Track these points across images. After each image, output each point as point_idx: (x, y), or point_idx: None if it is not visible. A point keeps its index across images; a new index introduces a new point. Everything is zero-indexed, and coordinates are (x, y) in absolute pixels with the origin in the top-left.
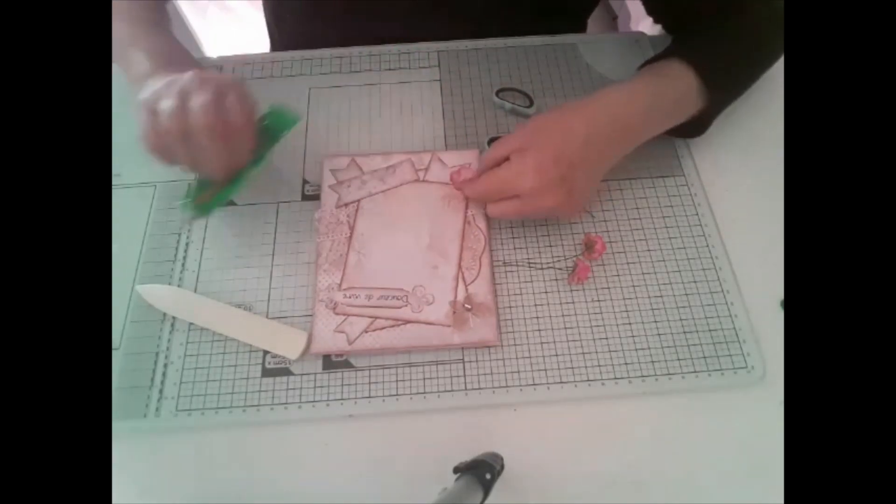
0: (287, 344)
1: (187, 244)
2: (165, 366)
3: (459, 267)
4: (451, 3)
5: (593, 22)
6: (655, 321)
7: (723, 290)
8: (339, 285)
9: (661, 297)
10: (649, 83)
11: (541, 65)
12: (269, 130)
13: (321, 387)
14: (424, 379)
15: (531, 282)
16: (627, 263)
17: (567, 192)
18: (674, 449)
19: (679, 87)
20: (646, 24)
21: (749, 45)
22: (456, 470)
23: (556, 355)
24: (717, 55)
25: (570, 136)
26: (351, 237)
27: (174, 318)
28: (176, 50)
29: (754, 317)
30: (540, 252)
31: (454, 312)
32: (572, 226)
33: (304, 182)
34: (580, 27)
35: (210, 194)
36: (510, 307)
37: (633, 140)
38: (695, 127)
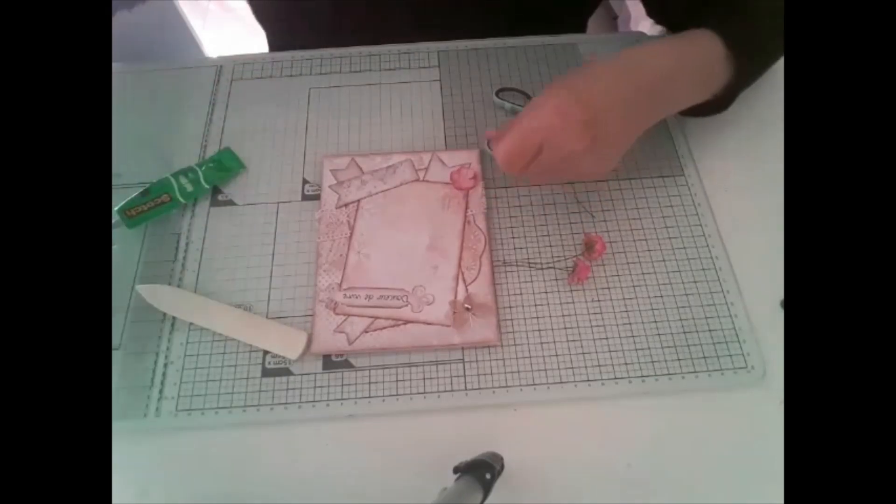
0: (287, 344)
1: (187, 244)
2: (165, 366)
3: (459, 267)
4: (452, 4)
5: (593, 22)
6: (655, 321)
7: (723, 290)
8: (339, 285)
9: (661, 297)
10: (675, 45)
11: (541, 65)
12: (215, 170)
13: (321, 387)
14: (424, 379)
15: (531, 282)
16: (627, 263)
17: (593, 139)
18: (674, 449)
19: (705, 53)
20: (646, 25)
21: (769, 18)
22: (456, 470)
23: (556, 355)
24: (742, 25)
25: (596, 82)
26: (351, 237)
27: (174, 318)
28: None
29: (754, 317)
30: (540, 252)
31: (454, 312)
32: (572, 226)
33: (304, 182)
34: (580, 29)
35: (140, 210)
36: (510, 307)
37: (659, 102)
38: (718, 103)
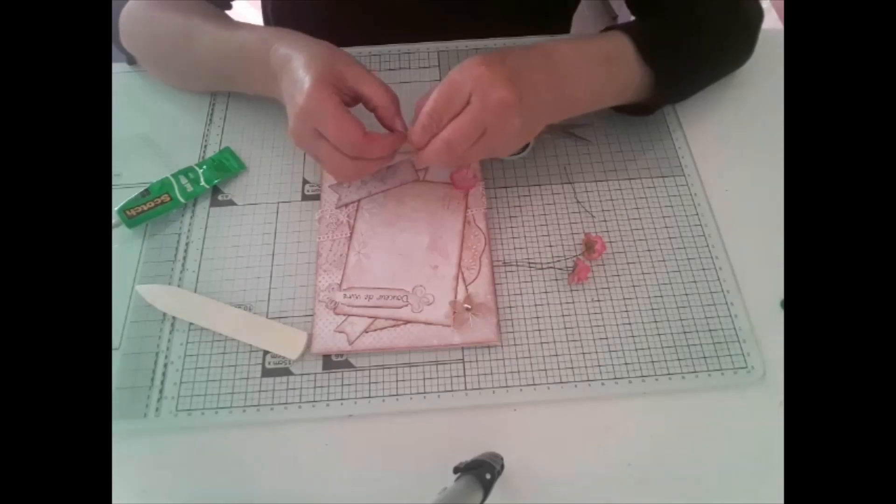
0: (287, 344)
1: (187, 244)
2: (165, 366)
3: (459, 267)
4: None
5: (594, 22)
6: (655, 321)
7: (723, 290)
8: (339, 285)
9: (661, 297)
10: (584, 39)
11: None
12: (215, 170)
13: (321, 387)
14: (424, 379)
15: (531, 282)
16: (627, 263)
17: (520, 93)
18: (673, 449)
19: (613, 48)
20: None
21: (695, 28)
22: (456, 470)
23: (556, 355)
24: (652, 29)
25: (508, 56)
26: (351, 237)
27: (174, 318)
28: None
29: (754, 317)
30: (540, 252)
31: (454, 312)
32: (572, 226)
33: (304, 182)
34: (566, 22)
35: (140, 210)
36: (510, 307)
37: (570, 83)
38: (645, 105)
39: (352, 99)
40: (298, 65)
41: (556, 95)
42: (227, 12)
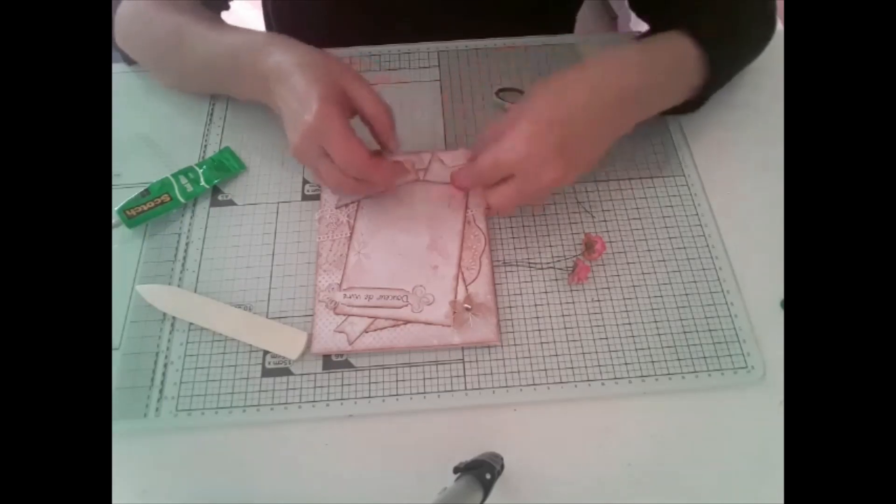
0: (287, 344)
1: (187, 244)
2: (165, 366)
3: (459, 267)
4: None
5: (594, 22)
6: (655, 321)
7: (723, 290)
8: (339, 285)
9: (661, 297)
10: (644, 48)
11: (541, 65)
12: (215, 170)
13: (321, 387)
14: (424, 379)
15: (531, 282)
16: (627, 263)
17: (567, 163)
18: (674, 449)
19: (675, 52)
20: (645, 25)
21: (740, 17)
22: (456, 470)
23: (556, 355)
24: (713, 24)
25: (566, 98)
26: (351, 237)
27: (174, 318)
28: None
29: (754, 317)
30: (540, 252)
31: (454, 312)
32: (572, 226)
33: (304, 182)
34: (569, 22)
35: (140, 210)
36: (510, 307)
37: (633, 106)
38: (692, 104)
39: (351, 112)
40: (301, 80)
41: (614, 126)
42: (226, 12)
